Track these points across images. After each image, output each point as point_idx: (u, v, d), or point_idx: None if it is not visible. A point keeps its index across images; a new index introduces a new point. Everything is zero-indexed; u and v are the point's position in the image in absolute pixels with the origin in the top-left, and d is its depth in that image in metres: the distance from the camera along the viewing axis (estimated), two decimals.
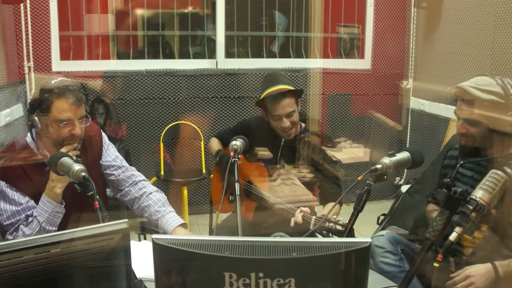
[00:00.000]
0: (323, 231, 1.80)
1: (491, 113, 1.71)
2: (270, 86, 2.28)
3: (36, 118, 1.73)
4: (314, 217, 1.96)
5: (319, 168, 2.31)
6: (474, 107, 1.73)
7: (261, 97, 2.31)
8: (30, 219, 1.74)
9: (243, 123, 2.57)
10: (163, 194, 2.02)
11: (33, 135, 1.80)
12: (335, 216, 1.82)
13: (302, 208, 2.04)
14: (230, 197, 2.36)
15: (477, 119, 1.72)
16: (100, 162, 1.97)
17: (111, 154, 2.00)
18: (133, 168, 2.06)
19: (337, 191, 2.27)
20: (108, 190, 2.10)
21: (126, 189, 1.99)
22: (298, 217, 2.01)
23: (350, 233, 1.56)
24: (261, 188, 2.30)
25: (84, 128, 1.81)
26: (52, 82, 1.74)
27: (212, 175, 2.82)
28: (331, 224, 1.78)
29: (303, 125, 2.39)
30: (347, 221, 1.57)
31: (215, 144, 2.59)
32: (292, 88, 2.27)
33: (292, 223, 2.04)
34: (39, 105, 1.72)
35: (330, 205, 2.18)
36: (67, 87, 1.73)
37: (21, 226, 1.74)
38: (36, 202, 1.76)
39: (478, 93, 1.71)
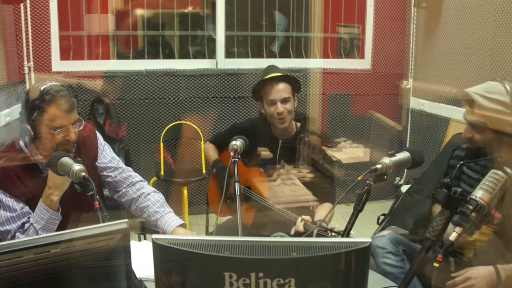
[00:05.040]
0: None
1: (497, 119, 1.66)
2: (267, 74, 2.34)
3: (28, 126, 1.70)
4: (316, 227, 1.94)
5: (317, 167, 2.30)
6: (480, 113, 1.69)
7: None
8: (26, 225, 1.73)
9: (239, 126, 2.55)
10: (161, 195, 2.01)
11: (26, 141, 1.77)
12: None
13: (304, 217, 2.02)
14: (228, 200, 2.35)
15: (483, 123, 1.69)
16: (96, 163, 1.95)
17: (107, 155, 1.98)
18: (129, 168, 2.04)
19: (330, 191, 2.27)
20: (105, 190, 2.09)
21: (123, 190, 1.98)
22: (300, 226, 2.00)
23: (348, 235, 1.56)
24: (260, 193, 2.29)
25: (78, 131, 1.79)
26: (42, 88, 1.70)
27: (209, 178, 2.80)
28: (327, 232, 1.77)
29: (299, 124, 2.38)
30: (342, 228, 1.57)
31: (211, 151, 2.56)
32: (288, 75, 2.28)
33: (292, 232, 2.03)
34: (31, 113, 1.69)
35: (323, 207, 2.19)
36: (57, 93, 1.69)
37: (17, 233, 1.72)
38: (31, 207, 1.75)
39: (483, 101, 1.67)
